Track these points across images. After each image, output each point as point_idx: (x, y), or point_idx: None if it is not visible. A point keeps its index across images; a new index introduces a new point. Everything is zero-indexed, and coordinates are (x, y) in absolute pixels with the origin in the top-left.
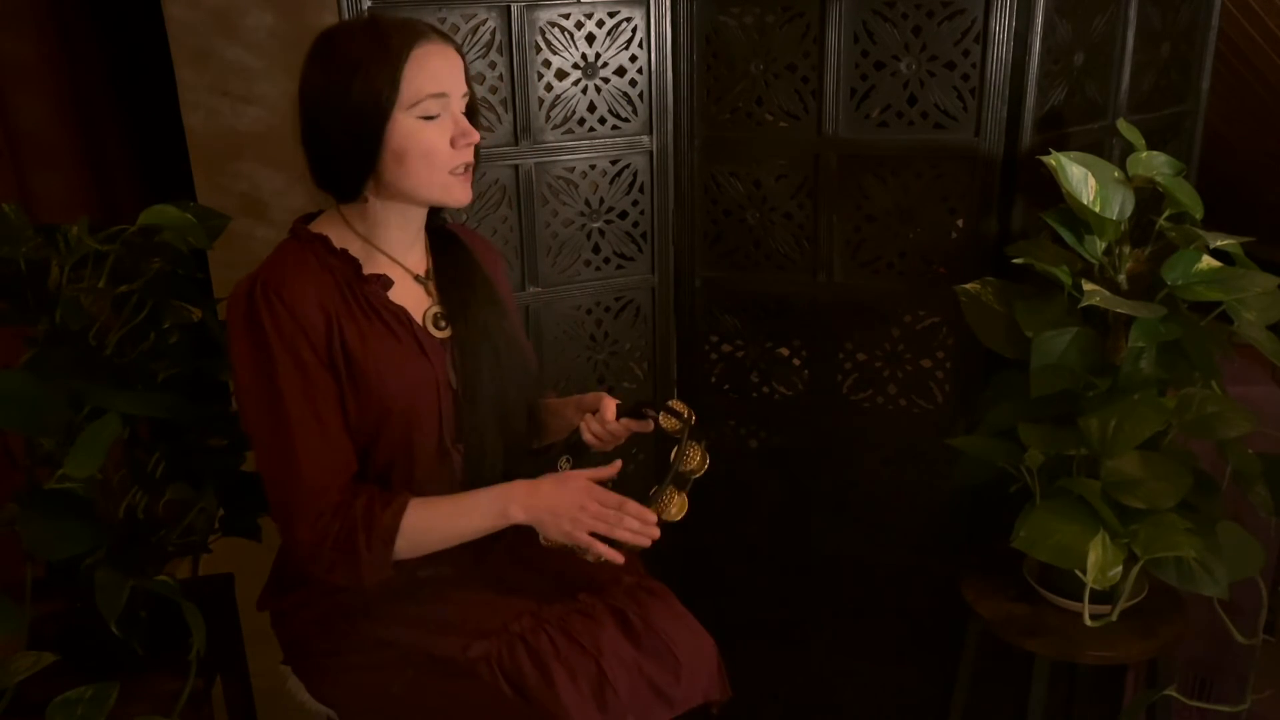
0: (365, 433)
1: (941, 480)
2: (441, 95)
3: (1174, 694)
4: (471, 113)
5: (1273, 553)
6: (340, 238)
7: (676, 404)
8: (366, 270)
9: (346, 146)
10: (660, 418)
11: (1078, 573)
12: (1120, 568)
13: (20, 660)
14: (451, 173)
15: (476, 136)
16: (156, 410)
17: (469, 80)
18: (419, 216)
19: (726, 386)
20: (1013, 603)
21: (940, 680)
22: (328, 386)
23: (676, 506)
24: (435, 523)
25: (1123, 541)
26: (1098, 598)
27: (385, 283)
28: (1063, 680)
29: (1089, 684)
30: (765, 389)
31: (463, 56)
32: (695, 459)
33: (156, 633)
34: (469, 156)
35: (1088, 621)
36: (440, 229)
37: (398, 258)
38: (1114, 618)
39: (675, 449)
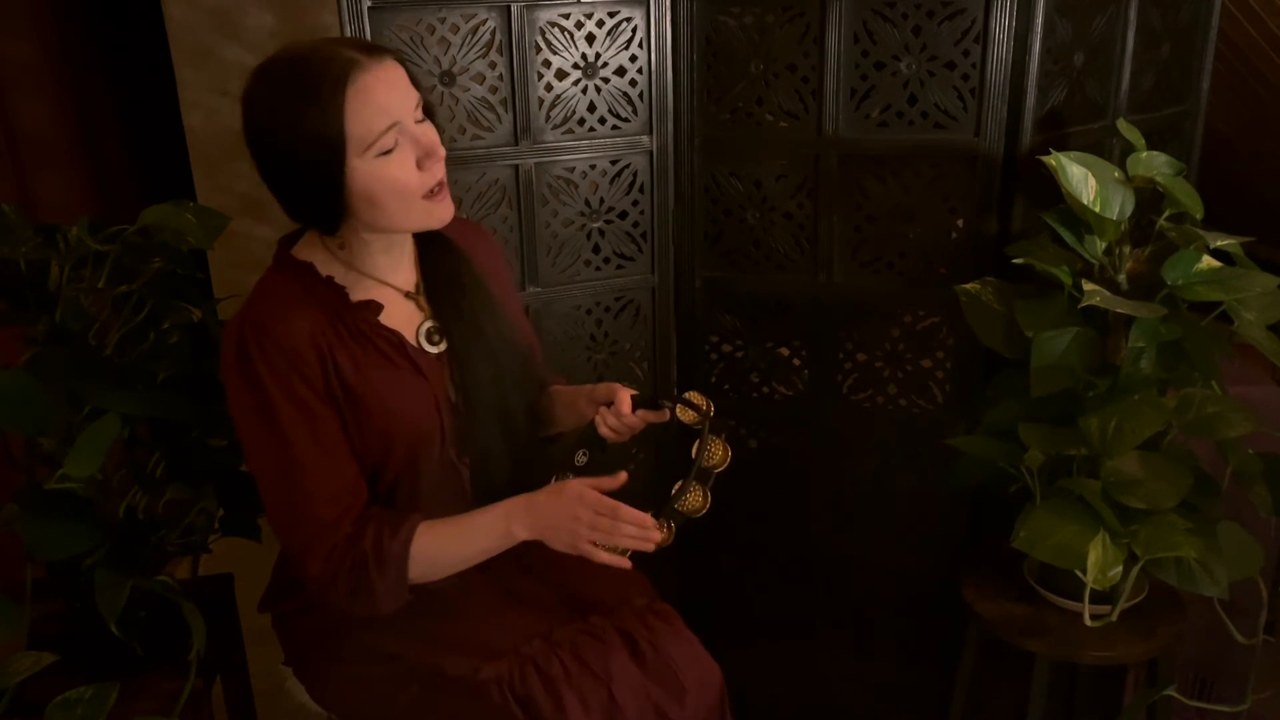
0: (369, 458)
1: (941, 480)
2: (393, 125)
3: (1174, 694)
4: (429, 114)
5: (1273, 553)
6: (325, 263)
7: (694, 396)
8: (354, 296)
9: (309, 197)
10: (676, 410)
11: (1078, 573)
12: (1120, 568)
13: (20, 660)
14: (427, 197)
15: (442, 151)
16: (156, 410)
17: (416, 84)
18: (402, 238)
19: (726, 386)
20: (1013, 603)
21: (940, 680)
22: (329, 419)
23: (700, 501)
24: (444, 546)
25: (1123, 541)
26: (1098, 598)
27: (375, 308)
28: (1063, 680)
29: (1089, 684)
30: (765, 389)
31: (403, 63)
32: (718, 453)
33: (156, 633)
34: (440, 173)
35: (1088, 621)
36: (428, 234)
37: (385, 278)
38: (1114, 618)
39: (696, 443)
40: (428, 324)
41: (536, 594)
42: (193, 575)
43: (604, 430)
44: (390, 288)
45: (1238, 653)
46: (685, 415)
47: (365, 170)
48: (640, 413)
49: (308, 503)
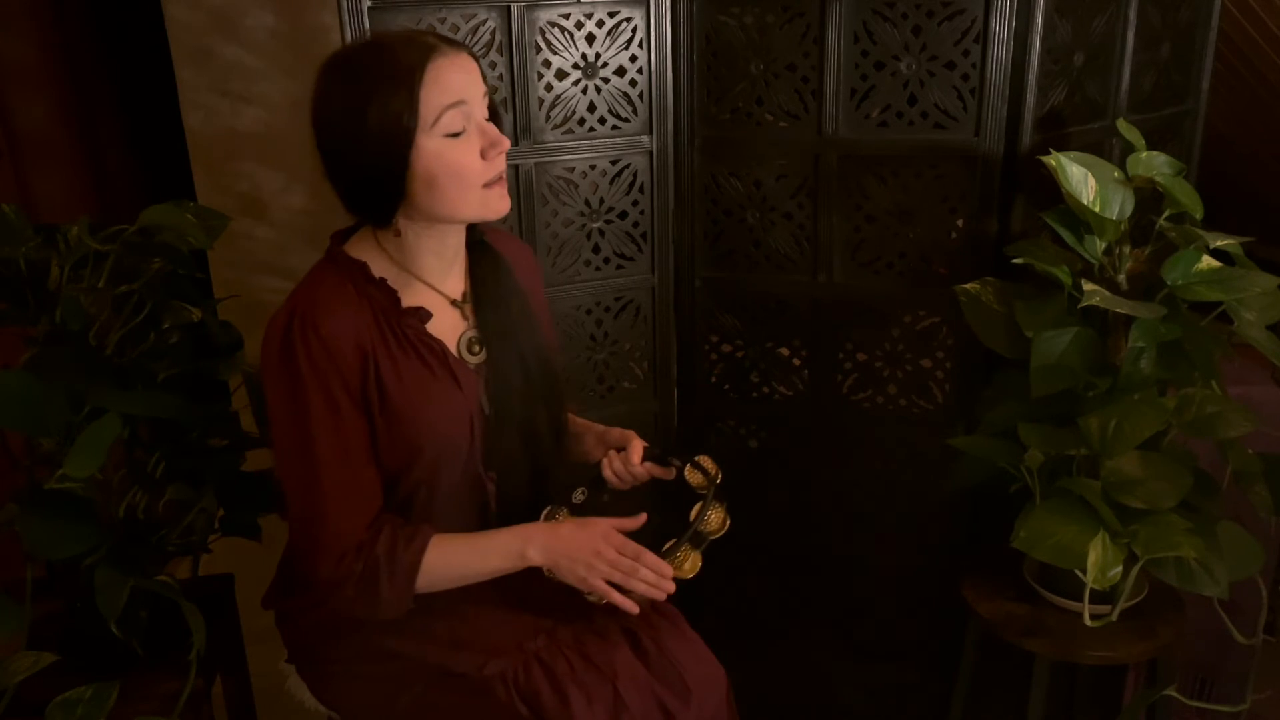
0: (393, 465)
1: (941, 480)
2: (461, 103)
3: (1174, 694)
4: (494, 116)
5: (1273, 553)
6: (377, 263)
7: (705, 460)
8: (405, 301)
9: (372, 179)
10: (686, 471)
11: (1078, 573)
12: (1120, 568)
13: (20, 660)
14: (486, 186)
15: (506, 144)
16: (156, 410)
17: (487, 83)
18: (457, 236)
19: (726, 386)
20: (1013, 603)
21: (940, 680)
22: (359, 426)
23: (690, 564)
24: (454, 561)
25: (1123, 541)
26: (1098, 598)
27: (423, 316)
28: (1063, 680)
29: (1089, 684)
30: (765, 389)
31: (477, 61)
32: (716, 521)
33: (156, 633)
34: (501, 166)
35: (1088, 621)
36: (480, 243)
37: (435, 284)
38: (1114, 618)
39: (697, 506)
40: (470, 334)
41: (539, 594)
42: (193, 575)
43: (608, 474)
44: (439, 294)
45: (1238, 653)
46: (694, 478)
47: (431, 150)
48: (648, 465)
49: (324, 504)
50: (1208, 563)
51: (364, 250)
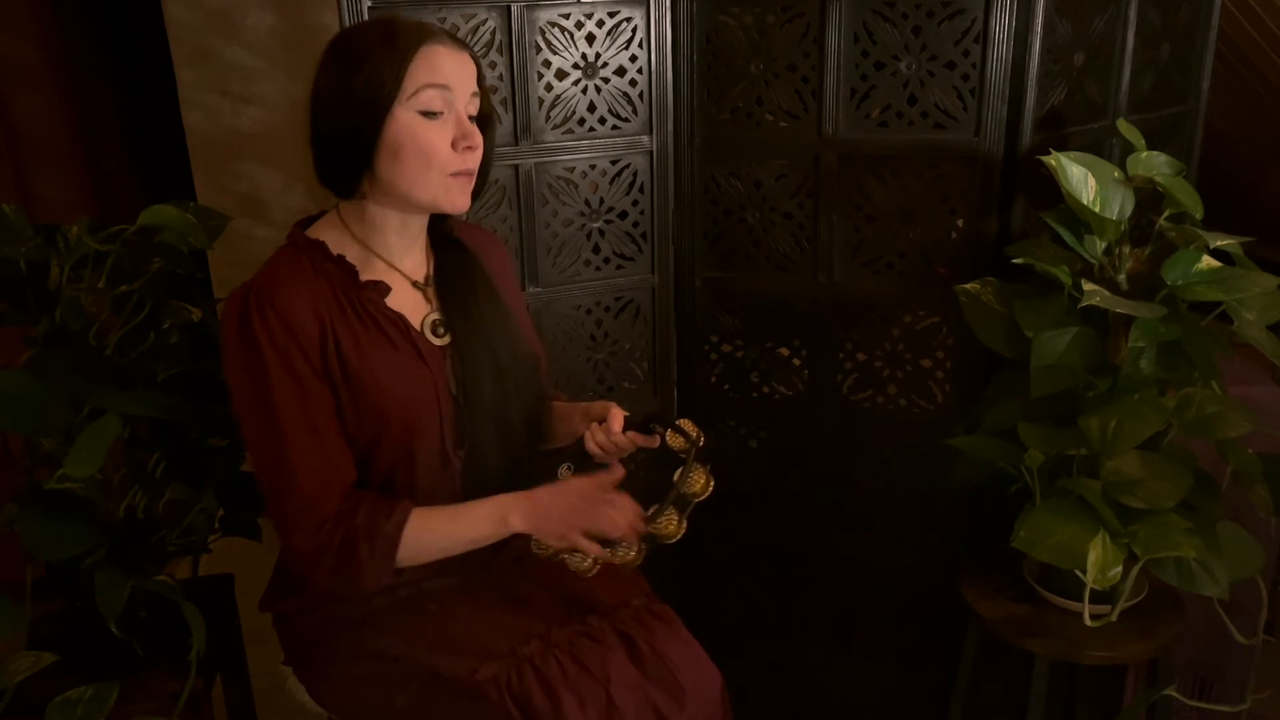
0: (365, 440)
1: (941, 480)
2: (443, 86)
3: (1174, 694)
4: (483, 122)
5: (1273, 553)
6: (337, 242)
7: (686, 424)
8: (363, 276)
9: (345, 138)
10: (668, 435)
11: (1078, 573)
12: (1120, 568)
13: (20, 660)
14: (449, 175)
15: (479, 140)
16: (156, 410)
17: (483, 88)
18: (418, 221)
19: (726, 386)
20: (1013, 603)
21: (940, 680)
22: (322, 396)
23: (674, 527)
24: (436, 530)
25: (1123, 541)
26: (1098, 598)
27: (382, 289)
28: (1063, 680)
29: (1089, 684)
30: (765, 389)
31: (477, 64)
32: (699, 482)
33: (156, 633)
34: (470, 163)
35: (1088, 621)
36: (443, 234)
37: (395, 263)
38: (1114, 618)
39: (680, 470)
40: (433, 316)
41: (535, 595)
42: (193, 575)
43: (591, 446)
44: (399, 274)
45: (1238, 653)
46: (675, 441)
47: (404, 121)
48: (630, 434)
49: (293, 475)
50: (1208, 563)
51: (325, 232)
